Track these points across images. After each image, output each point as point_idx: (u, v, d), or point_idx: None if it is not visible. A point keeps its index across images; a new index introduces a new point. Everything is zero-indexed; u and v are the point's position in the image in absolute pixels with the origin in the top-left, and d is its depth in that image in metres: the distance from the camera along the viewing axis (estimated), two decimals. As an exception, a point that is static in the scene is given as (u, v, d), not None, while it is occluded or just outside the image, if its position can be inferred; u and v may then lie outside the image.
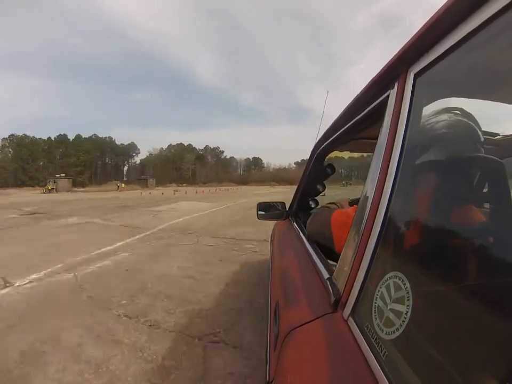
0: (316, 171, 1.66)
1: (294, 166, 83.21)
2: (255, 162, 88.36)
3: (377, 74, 0.61)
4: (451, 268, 0.38)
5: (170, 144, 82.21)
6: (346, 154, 1.85)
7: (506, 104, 0.58)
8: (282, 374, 0.55)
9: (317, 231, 1.11)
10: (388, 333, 0.38)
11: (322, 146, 1.38)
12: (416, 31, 0.46)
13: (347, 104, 0.86)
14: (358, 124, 0.81)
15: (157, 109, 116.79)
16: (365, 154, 1.88)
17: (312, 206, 1.95)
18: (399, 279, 0.39)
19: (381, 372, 0.36)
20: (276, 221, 2.24)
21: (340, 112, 0.95)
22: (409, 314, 0.36)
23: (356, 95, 0.77)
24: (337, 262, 0.65)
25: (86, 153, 68.49)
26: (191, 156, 77.95)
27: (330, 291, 0.59)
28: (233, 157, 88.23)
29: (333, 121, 1.09)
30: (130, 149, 79.10)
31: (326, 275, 0.70)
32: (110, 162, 77.62)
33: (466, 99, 0.62)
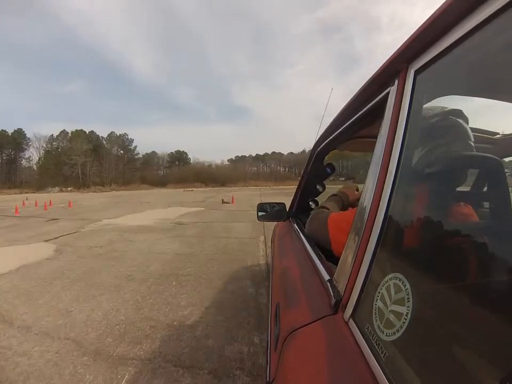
0: (316, 171, 1.66)
1: (228, 163, 71.77)
2: (180, 157, 69.54)
3: (377, 71, 0.61)
4: (451, 269, 0.37)
5: (64, 130, 56.44)
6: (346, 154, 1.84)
7: (507, 103, 0.57)
8: (283, 374, 0.54)
9: (315, 232, 1.11)
10: (388, 334, 0.38)
11: (322, 145, 1.37)
12: (417, 27, 0.45)
13: (347, 102, 0.86)
14: (358, 121, 0.80)
15: (86, 103, 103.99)
16: (364, 153, 1.88)
17: (312, 206, 1.94)
18: (399, 281, 0.39)
19: (382, 373, 0.36)
20: (275, 222, 2.24)
21: (340, 110, 0.95)
22: (409, 315, 0.36)
23: (355, 93, 0.76)
24: (337, 264, 0.64)
25: None
26: (83, 145, 52.52)
27: (331, 293, 0.58)
28: (154, 152, 69.32)
29: (332, 119, 1.09)
30: (16, 139, 54.40)
31: (326, 277, 0.69)
32: None
33: (467, 97, 0.61)
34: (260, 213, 2.06)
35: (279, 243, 1.64)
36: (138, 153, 64.91)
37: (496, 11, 0.31)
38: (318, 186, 1.80)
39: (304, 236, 1.27)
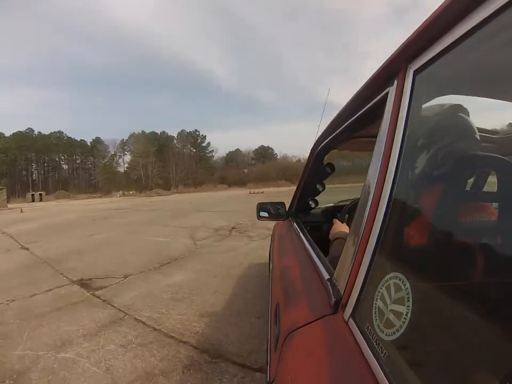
0: (316, 170, 1.66)
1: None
2: (265, 153, 65.38)
3: (376, 71, 0.61)
4: (451, 268, 0.37)
5: (133, 133, 56.92)
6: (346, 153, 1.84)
7: (506, 102, 0.57)
8: (283, 374, 0.54)
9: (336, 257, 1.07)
10: (388, 334, 0.38)
11: (322, 145, 1.37)
12: (416, 27, 0.45)
13: (346, 102, 0.86)
14: (357, 121, 0.80)
15: (170, 111, 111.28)
16: (364, 153, 1.88)
17: (312, 206, 1.94)
18: (399, 280, 0.39)
19: (382, 372, 0.36)
20: (275, 222, 2.24)
21: (339, 110, 0.95)
22: (409, 315, 0.36)
23: (355, 93, 0.76)
24: (337, 263, 0.64)
25: (2, 154, 49.26)
26: (147, 146, 52.35)
27: (331, 292, 0.58)
28: (238, 149, 65.45)
29: (332, 119, 1.09)
30: (94, 147, 58.17)
31: (326, 276, 0.70)
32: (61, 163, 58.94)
33: (466, 96, 0.61)
34: (260, 213, 2.06)
35: (279, 242, 1.64)
36: (213, 151, 61.70)
37: (495, 11, 0.31)
38: (317, 186, 1.80)
39: (303, 235, 1.27)
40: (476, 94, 0.59)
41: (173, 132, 61.29)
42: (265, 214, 2.06)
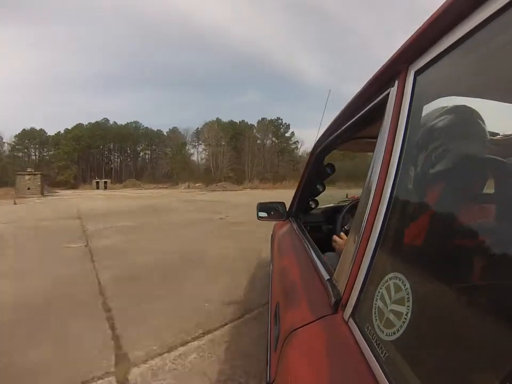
0: (316, 171, 1.66)
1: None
2: None
3: (377, 72, 0.61)
4: (451, 269, 0.37)
5: (207, 122, 50.19)
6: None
7: (507, 103, 0.57)
8: (283, 375, 0.55)
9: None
10: (388, 334, 0.38)
11: (322, 145, 1.37)
12: (417, 28, 0.45)
13: (347, 103, 0.86)
14: (358, 122, 0.81)
15: (257, 108, 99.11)
16: (364, 154, 1.88)
17: (313, 206, 1.94)
18: (399, 280, 0.39)
19: (382, 373, 0.36)
20: (275, 222, 2.24)
21: (340, 110, 0.95)
22: (409, 315, 0.36)
23: (356, 93, 0.76)
24: (337, 263, 0.64)
25: (74, 142, 48.11)
26: (219, 133, 46.44)
27: (331, 292, 0.58)
28: None
29: (333, 120, 1.09)
30: (155, 136, 53.43)
31: (326, 276, 0.70)
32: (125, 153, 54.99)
33: (467, 98, 0.61)
34: (260, 213, 2.06)
35: (279, 242, 1.64)
36: (297, 142, 50.84)
37: (496, 12, 0.31)
38: (318, 186, 1.80)
39: (304, 235, 1.27)
40: (477, 95, 0.59)
41: (254, 122, 51.84)
42: (265, 214, 2.05)
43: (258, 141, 50.45)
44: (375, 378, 0.36)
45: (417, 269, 0.42)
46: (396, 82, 0.53)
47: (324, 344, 0.50)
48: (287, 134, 51.82)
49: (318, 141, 1.45)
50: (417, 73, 0.47)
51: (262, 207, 2.07)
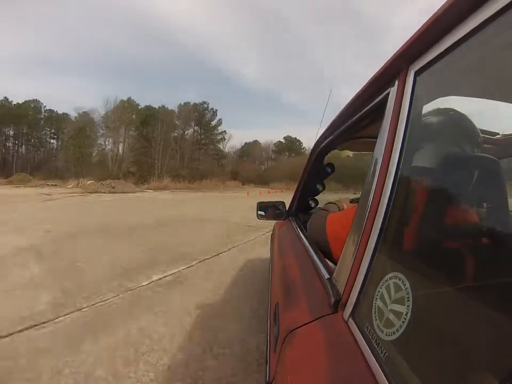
0: (316, 170, 1.66)
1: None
2: (291, 146, 46.90)
3: (377, 72, 0.61)
4: (451, 269, 0.37)
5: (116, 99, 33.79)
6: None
7: (507, 103, 0.57)
8: (282, 374, 0.55)
9: (315, 233, 1.13)
10: (388, 333, 0.38)
11: (322, 145, 1.37)
12: (418, 28, 0.45)
13: (347, 103, 0.86)
14: (358, 122, 0.81)
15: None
16: (364, 154, 1.88)
17: (312, 205, 1.94)
18: (399, 280, 0.39)
19: (381, 372, 0.36)
20: (275, 221, 2.24)
21: (340, 110, 0.95)
22: (409, 315, 0.36)
23: (356, 93, 0.76)
24: (336, 263, 0.64)
25: None
26: (123, 118, 32.91)
27: (330, 292, 0.58)
28: (257, 141, 46.38)
29: (333, 119, 1.09)
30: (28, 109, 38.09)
31: (326, 276, 0.70)
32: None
33: (467, 98, 0.61)
34: (260, 212, 2.06)
35: (279, 242, 1.64)
36: (225, 132, 40.76)
37: (496, 12, 0.31)
38: (318, 186, 1.80)
39: (303, 234, 1.27)
40: (477, 95, 0.59)
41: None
42: (265, 213, 2.06)
43: (178, 131, 37.91)
44: (375, 378, 0.36)
45: (417, 269, 0.42)
46: (396, 82, 0.53)
47: (323, 344, 0.50)
48: (213, 122, 40.25)
49: (318, 141, 1.45)
50: (418, 73, 0.47)
51: (261, 206, 2.07)
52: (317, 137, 1.45)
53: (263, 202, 2.11)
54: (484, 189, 0.58)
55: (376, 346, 0.39)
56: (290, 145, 47.44)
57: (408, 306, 0.36)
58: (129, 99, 36.05)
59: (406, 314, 0.36)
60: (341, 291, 0.54)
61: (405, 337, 0.35)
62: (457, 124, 0.61)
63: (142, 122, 34.96)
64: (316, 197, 1.92)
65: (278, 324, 0.75)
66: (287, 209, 2.00)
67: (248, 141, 47.02)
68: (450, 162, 0.55)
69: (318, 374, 0.44)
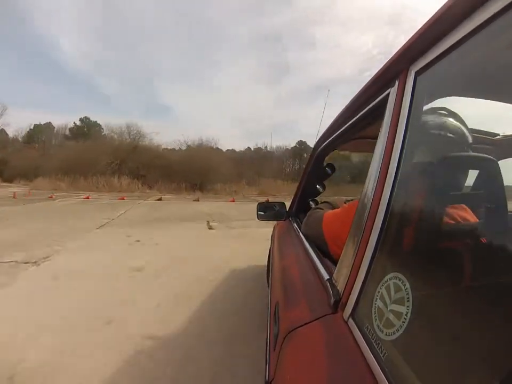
0: (316, 171, 1.66)
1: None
2: (88, 130, 33.16)
3: (377, 72, 0.61)
4: (451, 269, 0.37)
5: None
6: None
7: (507, 104, 0.57)
8: (282, 374, 0.54)
9: (310, 232, 1.14)
10: (388, 333, 0.38)
11: (322, 145, 1.37)
12: (418, 29, 0.45)
13: (347, 103, 0.86)
14: (358, 122, 0.81)
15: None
16: (365, 154, 1.88)
17: (312, 206, 1.94)
18: (399, 280, 0.39)
19: (381, 372, 0.36)
20: (275, 222, 2.24)
21: (340, 111, 0.95)
22: (409, 315, 0.36)
23: (356, 93, 0.76)
24: (336, 263, 0.64)
25: None
26: None
27: (330, 292, 0.58)
28: (50, 123, 34.04)
29: (333, 120, 1.09)
30: None
31: (326, 276, 0.70)
32: None
33: (467, 98, 0.61)
34: (260, 213, 2.07)
35: (279, 242, 1.64)
36: None
37: (497, 12, 0.31)
38: (318, 186, 1.80)
39: (303, 235, 1.27)
40: (477, 96, 0.59)
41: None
42: (265, 214, 2.06)
43: None
44: (375, 378, 0.36)
45: (417, 269, 0.42)
46: (396, 83, 0.53)
47: (323, 344, 0.50)
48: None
49: (318, 141, 1.45)
50: (418, 73, 0.47)
51: (262, 207, 2.08)
52: (317, 138, 1.45)
53: (263, 202, 2.12)
54: (483, 190, 0.58)
55: (376, 346, 0.39)
56: (89, 129, 34.44)
57: (408, 306, 0.36)
58: None
59: (406, 315, 0.36)
60: (341, 291, 0.54)
61: (405, 337, 0.35)
62: (457, 124, 0.62)
63: None
64: (316, 198, 1.92)
65: (278, 323, 0.75)
66: (287, 209, 2.00)
67: (39, 123, 33.72)
68: (450, 163, 0.55)
69: (317, 373, 0.44)
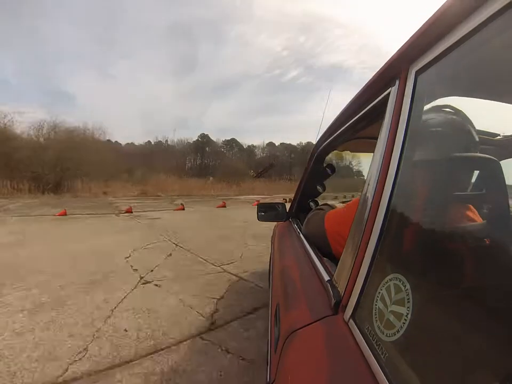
0: (316, 171, 1.66)
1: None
2: None
3: (378, 72, 0.61)
4: (451, 270, 0.37)
5: None
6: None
7: (508, 104, 0.57)
8: (283, 375, 0.54)
9: (312, 232, 1.13)
10: (388, 335, 0.38)
11: (322, 146, 1.37)
12: (418, 28, 0.45)
13: (347, 103, 0.86)
14: (359, 122, 0.80)
15: None
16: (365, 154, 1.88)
17: (313, 207, 1.94)
18: (400, 281, 0.39)
19: (382, 374, 0.35)
20: (276, 223, 2.24)
21: (341, 111, 0.95)
22: (409, 316, 0.36)
23: (356, 93, 0.76)
24: (337, 264, 0.64)
25: None
26: None
27: (331, 293, 0.58)
28: None
29: (333, 120, 1.09)
30: None
31: (326, 277, 0.69)
32: None
33: (468, 98, 0.61)
34: (260, 213, 2.06)
35: (279, 243, 1.64)
36: None
37: (496, 12, 0.31)
38: (318, 187, 1.80)
39: (304, 236, 1.27)
40: (477, 96, 0.59)
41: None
42: (266, 215, 2.06)
43: None
44: (376, 379, 0.36)
45: (418, 270, 0.42)
46: (397, 82, 0.53)
47: (324, 345, 0.50)
48: None
49: (318, 141, 1.45)
50: (418, 73, 0.47)
51: (262, 207, 2.08)
52: (317, 138, 1.45)
53: (264, 203, 2.12)
54: (484, 190, 0.58)
55: (376, 347, 0.39)
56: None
57: (408, 307, 0.36)
58: None
59: (406, 316, 0.36)
60: (341, 292, 0.54)
61: (406, 339, 0.35)
62: (458, 124, 0.61)
63: None
64: (316, 198, 1.92)
65: (279, 325, 0.75)
66: (287, 210, 2.00)
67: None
68: (451, 163, 0.55)
69: (318, 375, 0.44)
